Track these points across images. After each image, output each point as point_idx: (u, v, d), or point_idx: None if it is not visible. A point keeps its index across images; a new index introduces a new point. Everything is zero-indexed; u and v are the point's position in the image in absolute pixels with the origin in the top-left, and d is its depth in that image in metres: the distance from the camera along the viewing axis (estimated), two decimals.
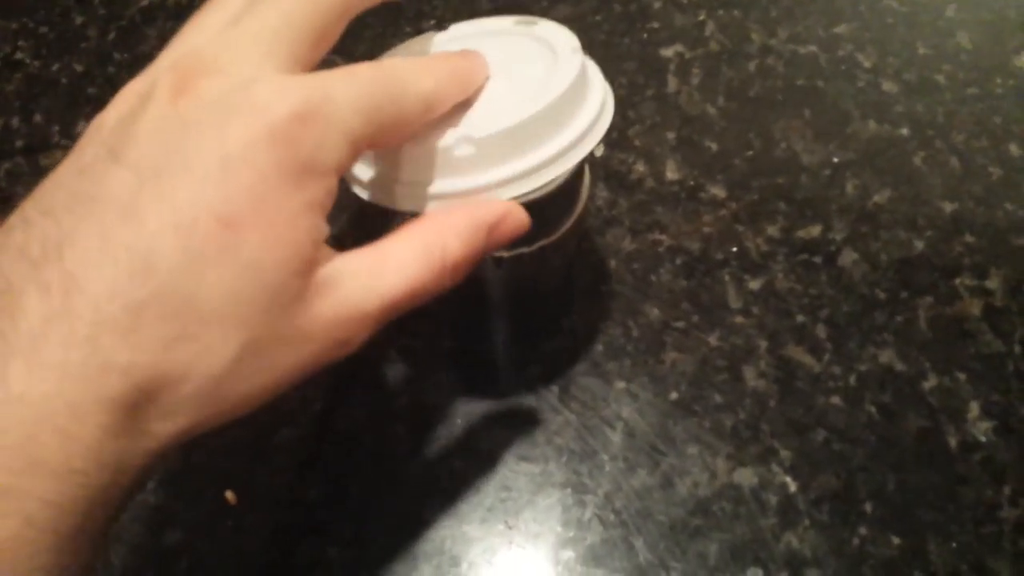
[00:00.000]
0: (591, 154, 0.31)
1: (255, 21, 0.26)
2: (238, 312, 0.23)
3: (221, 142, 0.23)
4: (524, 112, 0.29)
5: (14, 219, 0.23)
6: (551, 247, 0.36)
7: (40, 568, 0.21)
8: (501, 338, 0.43)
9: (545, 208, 0.32)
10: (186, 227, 0.22)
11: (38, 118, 0.51)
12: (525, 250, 0.35)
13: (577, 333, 0.42)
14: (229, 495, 0.39)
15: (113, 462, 0.22)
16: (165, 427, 0.23)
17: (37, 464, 0.21)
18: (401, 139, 0.28)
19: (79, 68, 0.52)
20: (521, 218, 0.29)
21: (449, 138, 0.29)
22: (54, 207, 0.23)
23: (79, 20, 0.54)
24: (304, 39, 0.26)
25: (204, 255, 0.23)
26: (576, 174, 0.34)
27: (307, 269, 0.25)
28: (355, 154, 0.26)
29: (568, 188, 0.33)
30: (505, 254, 0.35)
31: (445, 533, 0.38)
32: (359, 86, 0.26)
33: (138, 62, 0.51)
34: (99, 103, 0.50)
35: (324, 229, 0.26)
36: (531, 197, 0.30)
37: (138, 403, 0.22)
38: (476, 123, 0.30)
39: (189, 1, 0.54)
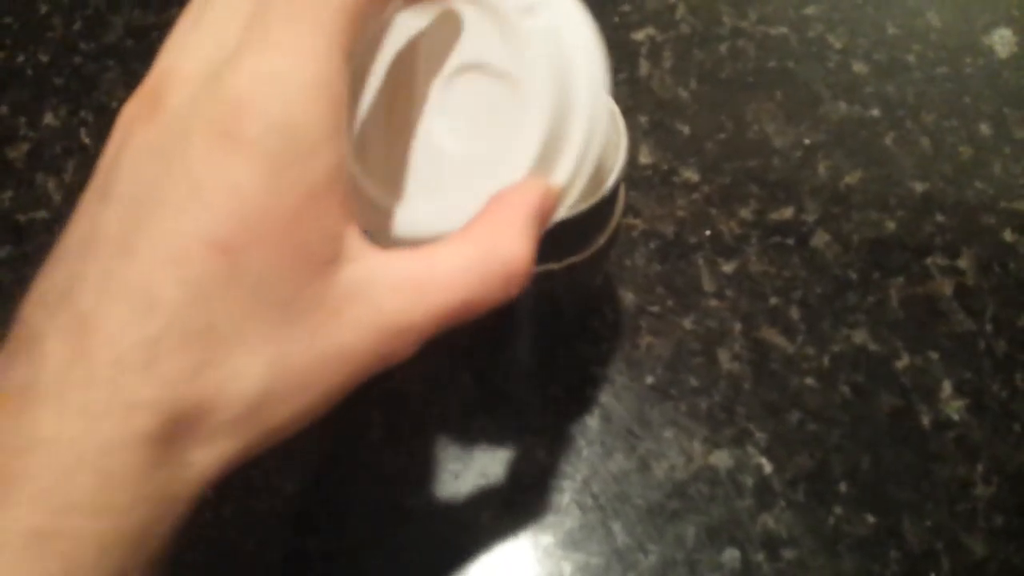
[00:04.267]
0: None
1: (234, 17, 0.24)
2: (258, 333, 0.22)
3: (185, 164, 0.22)
4: (537, 129, 0.27)
5: (44, 268, 0.23)
6: (582, 265, 0.34)
7: None
8: (520, 349, 0.42)
9: (575, 224, 0.31)
10: (180, 259, 0.22)
11: (4, 110, 0.50)
12: (554, 267, 0.33)
13: (554, 320, 0.42)
14: None
15: (155, 496, 0.22)
16: (207, 456, 0.23)
17: (74, 505, 0.21)
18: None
19: (44, 58, 0.51)
20: (549, 189, 0.27)
21: (490, 190, 0.26)
22: (67, 253, 0.23)
23: (44, 9, 0.53)
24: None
25: (205, 284, 0.22)
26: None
27: (325, 270, 0.23)
28: (341, 43, 0.24)
29: (603, 202, 0.32)
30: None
31: (424, 521, 0.38)
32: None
33: (104, 52, 0.51)
34: (66, 93, 0.50)
35: (339, 216, 0.24)
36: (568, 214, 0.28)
37: (173, 435, 0.22)
38: (499, 160, 0.27)
39: None
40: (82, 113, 0.49)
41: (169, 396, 0.22)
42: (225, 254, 0.22)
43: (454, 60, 0.29)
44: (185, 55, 0.25)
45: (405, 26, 0.30)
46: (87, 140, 0.48)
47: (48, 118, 0.49)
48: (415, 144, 0.29)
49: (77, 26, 0.52)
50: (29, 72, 0.51)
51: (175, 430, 0.22)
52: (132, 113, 0.24)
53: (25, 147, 0.48)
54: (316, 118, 0.23)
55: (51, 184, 0.47)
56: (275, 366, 0.23)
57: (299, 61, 0.23)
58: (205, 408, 0.22)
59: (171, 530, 0.23)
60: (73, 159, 0.47)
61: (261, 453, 0.24)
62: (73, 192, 0.46)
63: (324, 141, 0.23)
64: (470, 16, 0.29)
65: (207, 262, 0.22)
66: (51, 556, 0.20)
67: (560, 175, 0.27)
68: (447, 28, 0.29)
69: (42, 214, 0.46)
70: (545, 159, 0.27)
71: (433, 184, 0.29)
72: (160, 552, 0.23)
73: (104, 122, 0.48)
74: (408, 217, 0.28)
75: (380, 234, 0.28)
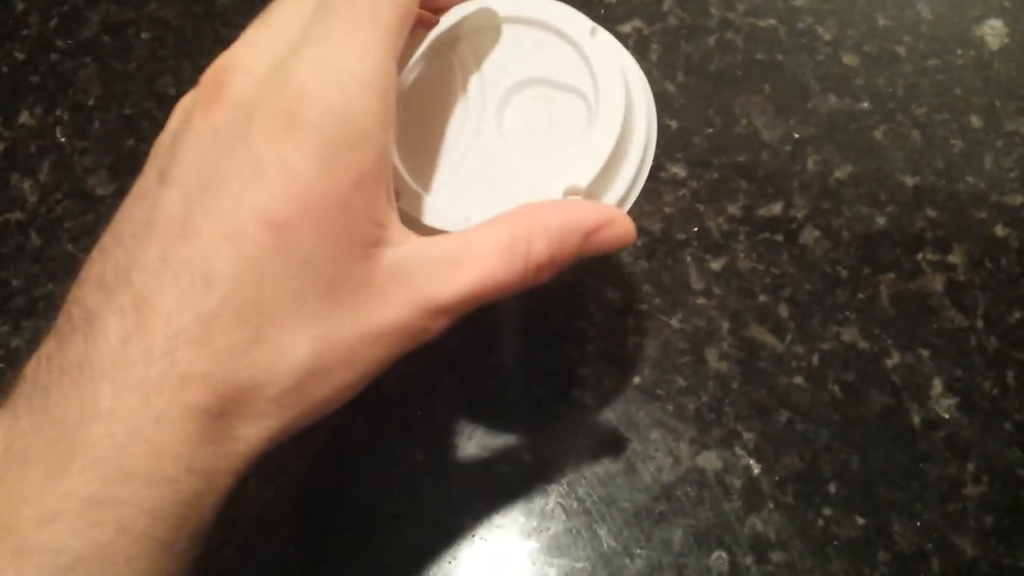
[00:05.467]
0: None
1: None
2: (307, 309, 0.24)
3: (248, 146, 0.23)
4: (606, 138, 0.29)
5: (95, 252, 0.25)
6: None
7: (139, 572, 0.22)
8: (505, 351, 0.42)
9: None
10: (236, 236, 0.23)
11: None
12: None
13: (539, 320, 0.42)
14: None
15: (204, 468, 0.23)
16: (254, 430, 0.24)
17: (130, 474, 0.22)
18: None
19: (20, 56, 0.50)
20: (626, 229, 0.28)
21: (553, 193, 0.28)
22: (123, 235, 0.24)
23: (20, 6, 0.52)
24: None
25: (259, 260, 0.23)
26: None
27: (371, 252, 0.25)
28: (394, 41, 0.26)
29: None
30: None
31: (408, 527, 0.37)
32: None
33: (81, 48, 0.50)
34: (42, 92, 0.49)
35: (384, 203, 0.25)
36: None
37: (224, 409, 0.23)
38: (567, 165, 0.29)
39: None
40: (58, 111, 0.48)
41: (223, 370, 0.23)
42: (279, 231, 0.23)
43: (516, 74, 0.31)
44: (249, 51, 0.26)
45: (465, 40, 0.32)
46: (63, 139, 0.47)
47: (25, 117, 0.48)
48: (472, 148, 0.31)
49: (54, 23, 0.51)
50: (5, 70, 0.50)
51: (227, 404, 0.23)
52: (192, 102, 0.26)
53: (1, 147, 0.47)
54: (370, 108, 0.24)
55: (26, 185, 0.46)
56: (322, 342, 0.24)
57: (358, 55, 0.25)
58: (256, 382, 0.23)
59: (217, 502, 0.24)
60: (48, 159, 0.47)
61: (304, 427, 0.25)
62: (48, 192, 0.45)
63: (376, 130, 0.25)
64: (534, 35, 0.31)
65: (261, 239, 0.23)
66: (106, 523, 0.21)
67: (614, 194, 0.30)
68: (508, 44, 0.32)
69: (17, 215, 0.45)
70: (605, 173, 0.29)
71: (485, 185, 0.30)
72: (207, 524, 0.24)
73: (80, 120, 0.48)
74: (459, 216, 0.29)
75: (423, 227, 0.29)
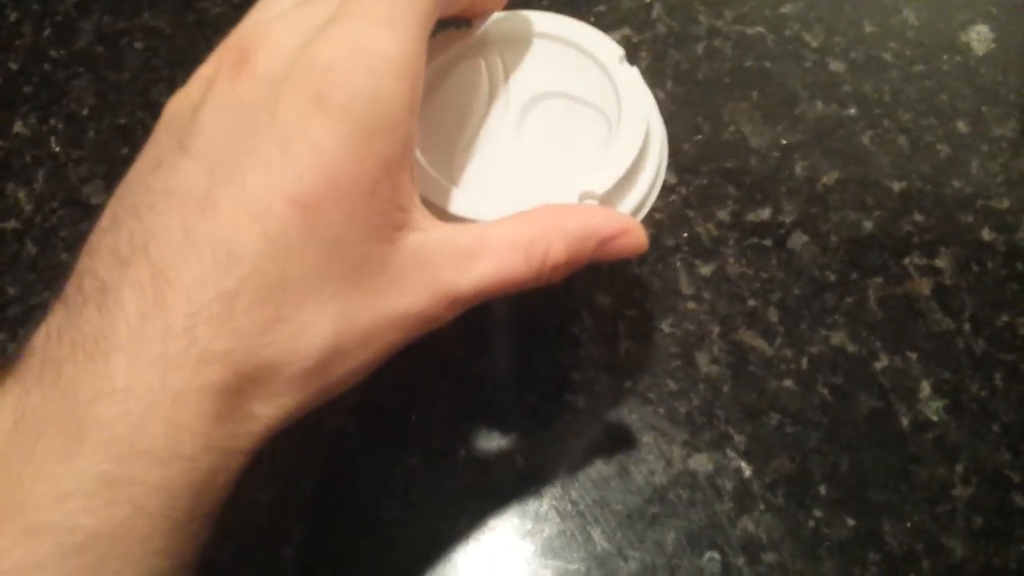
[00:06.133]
0: None
1: None
2: (329, 290, 0.24)
3: (275, 123, 0.23)
4: (627, 152, 0.30)
5: (105, 220, 0.24)
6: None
7: (154, 551, 0.22)
8: (497, 356, 0.42)
9: None
10: (262, 214, 0.23)
11: None
12: None
13: (531, 325, 0.42)
14: None
15: (220, 446, 0.23)
16: (271, 409, 0.24)
17: (145, 452, 0.21)
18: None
19: (14, 66, 0.50)
20: (640, 239, 0.29)
21: (570, 195, 0.29)
22: (138, 205, 0.24)
23: (13, 16, 0.52)
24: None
25: (285, 239, 0.23)
26: None
27: (394, 236, 0.25)
28: (425, 28, 0.26)
29: None
30: None
31: (402, 531, 0.37)
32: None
33: (75, 58, 0.50)
34: (36, 101, 0.50)
35: (409, 188, 0.25)
36: None
37: (242, 388, 0.23)
38: (585, 171, 0.30)
39: None
40: (52, 121, 0.48)
41: (243, 349, 0.23)
42: (305, 211, 0.23)
43: (542, 85, 0.33)
44: (277, 22, 0.26)
45: (497, 45, 0.33)
46: (57, 149, 0.47)
47: (18, 127, 0.48)
48: (491, 148, 0.32)
49: (47, 32, 0.51)
50: None
51: (245, 383, 0.23)
52: (215, 70, 0.26)
53: None
54: (399, 93, 0.24)
55: (21, 194, 0.46)
56: (341, 323, 0.24)
57: (390, 37, 0.24)
58: (275, 362, 0.23)
59: (231, 481, 0.24)
60: (43, 168, 0.47)
61: (317, 407, 0.25)
62: (43, 202, 0.46)
63: (404, 116, 0.24)
64: (564, 53, 0.33)
65: (287, 217, 0.23)
66: (121, 501, 0.21)
67: (626, 206, 0.31)
68: (537, 57, 0.33)
69: (12, 224, 0.45)
70: (621, 184, 0.30)
71: (500, 184, 0.31)
72: (219, 505, 0.24)
73: (74, 130, 0.48)
74: (474, 210, 0.30)
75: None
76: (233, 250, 0.22)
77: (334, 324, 0.24)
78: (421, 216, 0.26)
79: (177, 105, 0.26)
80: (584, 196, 0.29)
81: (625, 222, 0.28)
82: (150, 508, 0.21)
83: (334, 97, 0.23)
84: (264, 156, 0.23)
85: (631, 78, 0.32)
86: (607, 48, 0.32)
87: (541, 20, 0.33)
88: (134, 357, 0.22)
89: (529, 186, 0.30)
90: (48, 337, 0.23)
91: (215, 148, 0.24)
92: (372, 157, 0.24)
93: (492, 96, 0.32)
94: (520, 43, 0.33)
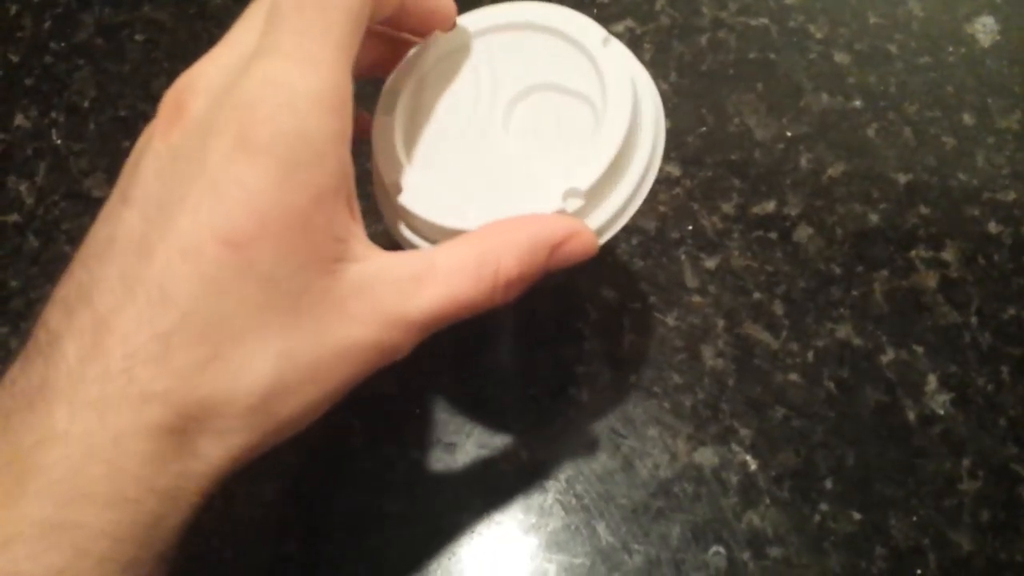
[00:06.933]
0: None
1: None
2: (269, 326, 0.23)
3: (203, 165, 0.23)
4: (611, 143, 0.29)
5: (64, 274, 0.25)
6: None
7: None
8: (501, 350, 0.42)
9: None
10: (194, 254, 0.23)
11: None
12: None
13: (534, 318, 0.42)
14: None
15: (167, 488, 0.23)
16: (219, 449, 0.23)
17: (87, 496, 0.21)
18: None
19: (15, 59, 0.50)
20: (588, 240, 0.28)
21: (553, 193, 0.28)
22: (88, 256, 0.24)
23: (13, 9, 0.52)
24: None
25: (218, 278, 0.23)
26: None
27: (333, 268, 0.24)
28: (346, 53, 0.25)
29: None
30: None
31: (406, 526, 0.37)
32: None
33: (76, 51, 0.50)
34: (37, 94, 0.49)
35: (346, 218, 0.25)
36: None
37: (185, 428, 0.23)
38: (570, 167, 0.29)
39: None
40: (53, 114, 0.48)
41: (181, 388, 0.22)
42: (237, 249, 0.23)
43: (527, 78, 0.32)
44: (209, 68, 0.26)
45: (479, 42, 0.33)
46: (58, 141, 0.47)
47: (19, 120, 0.48)
48: (476, 148, 0.31)
49: (47, 25, 0.51)
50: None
51: (187, 422, 0.23)
52: (155, 123, 0.26)
53: None
54: (324, 127, 0.24)
55: (23, 187, 0.46)
56: (284, 358, 0.24)
57: (306, 69, 0.24)
58: (217, 400, 0.23)
59: (182, 523, 0.24)
60: (45, 161, 0.47)
61: (271, 447, 0.25)
62: (45, 194, 0.46)
63: (331, 147, 0.24)
64: (548, 42, 0.32)
65: (219, 256, 0.23)
66: (63, 547, 0.21)
67: (617, 198, 0.30)
68: (522, 49, 0.32)
69: (14, 217, 0.45)
70: (608, 178, 0.29)
71: (487, 183, 0.30)
72: (171, 545, 0.24)
73: (75, 122, 0.48)
74: (458, 211, 0.29)
75: (422, 222, 0.30)
76: (167, 291, 0.23)
77: (276, 359, 0.24)
78: (363, 245, 0.26)
79: (128, 160, 0.27)
80: (568, 194, 0.28)
81: (571, 224, 0.28)
82: (94, 552, 0.21)
83: (258, 136, 0.23)
84: (195, 199, 0.23)
85: (616, 60, 0.31)
86: (589, 31, 0.31)
87: (523, 10, 0.32)
88: (73, 401, 0.22)
89: (516, 186, 0.29)
90: (2, 390, 0.23)
91: (151, 196, 0.24)
92: (301, 191, 0.24)
93: (477, 94, 0.32)
94: (503, 37, 0.33)
